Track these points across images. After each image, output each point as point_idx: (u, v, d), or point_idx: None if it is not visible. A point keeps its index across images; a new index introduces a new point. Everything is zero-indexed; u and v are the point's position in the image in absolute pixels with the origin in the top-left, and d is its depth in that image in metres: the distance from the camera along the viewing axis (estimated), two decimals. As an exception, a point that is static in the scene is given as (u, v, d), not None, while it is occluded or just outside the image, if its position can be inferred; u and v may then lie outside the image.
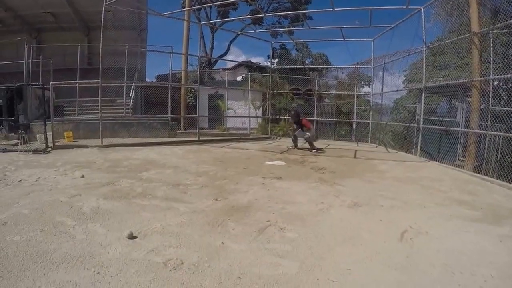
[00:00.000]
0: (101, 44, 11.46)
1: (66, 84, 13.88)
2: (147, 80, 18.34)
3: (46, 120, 11.34)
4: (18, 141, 11.86)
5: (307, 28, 13.67)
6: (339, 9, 10.87)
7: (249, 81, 16.69)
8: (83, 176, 6.28)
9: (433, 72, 10.00)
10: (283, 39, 22.06)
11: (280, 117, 16.25)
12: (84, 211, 4.23)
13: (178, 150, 10.27)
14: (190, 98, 17.92)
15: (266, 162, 8.41)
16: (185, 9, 16.49)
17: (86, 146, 10.59)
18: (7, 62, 18.15)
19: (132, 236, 3.40)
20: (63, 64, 17.00)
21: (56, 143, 10.71)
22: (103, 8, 11.45)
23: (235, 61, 22.60)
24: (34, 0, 19.82)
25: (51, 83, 12.17)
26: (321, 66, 21.36)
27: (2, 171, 7.06)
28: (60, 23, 21.75)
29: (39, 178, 6.29)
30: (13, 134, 12.63)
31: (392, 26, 11.89)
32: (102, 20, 11.66)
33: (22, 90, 14.34)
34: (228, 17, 23.40)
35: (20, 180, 6.13)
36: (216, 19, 23.79)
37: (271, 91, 16.00)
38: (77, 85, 14.31)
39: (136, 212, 4.18)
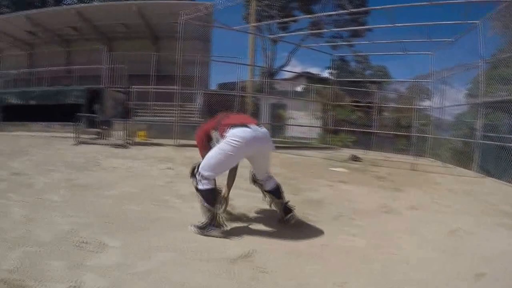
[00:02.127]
0: (178, 54, 12.62)
1: (142, 89, 14.88)
2: (211, 87, 19.09)
3: (124, 119, 12.41)
4: (95, 136, 13.03)
5: (367, 42, 13.89)
6: (400, 24, 11.06)
7: (312, 92, 17.11)
8: (169, 168, 7.04)
9: (495, 87, 9.91)
10: (343, 51, 22.25)
11: (340, 128, 16.44)
12: (183, 194, 5.02)
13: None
14: (250, 106, 18.57)
15: (330, 169, 8.84)
16: (254, 24, 17.29)
17: (161, 145, 11.57)
18: (86, 66, 19.67)
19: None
20: (133, 70, 18.16)
21: (131, 140, 11.67)
22: (180, 21, 12.45)
23: (295, 72, 22.88)
24: (109, 12, 21.51)
25: (132, 87, 13.17)
26: (381, 79, 21.31)
27: (94, 159, 8.09)
28: (130, 33, 23.32)
29: (130, 166, 7.17)
30: (91, 129, 13.81)
31: (451, 40, 11.92)
32: (180, 31, 12.64)
33: (101, 91, 15.64)
34: (289, 29, 23.92)
35: (115, 167, 7.03)
36: (276, 31, 24.36)
37: (332, 102, 16.30)
38: (151, 90, 15.23)
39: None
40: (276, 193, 3.99)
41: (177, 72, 12.66)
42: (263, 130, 3.67)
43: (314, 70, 30.44)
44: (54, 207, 4.06)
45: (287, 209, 3.95)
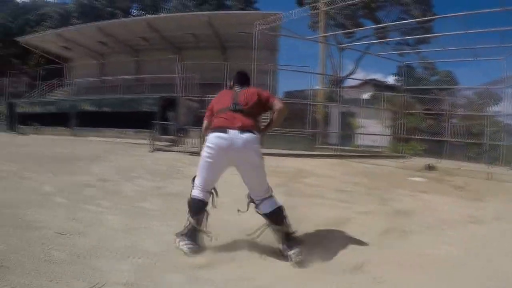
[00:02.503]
0: (253, 63, 12.50)
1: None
2: (278, 96, 19.28)
3: (198, 127, 12.77)
4: (169, 143, 13.50)
5: (437, 49, 13.50)
6: (472, 30, 10.65)
7: (382, 100, 16.81)
8: None
9: None
10: (409, 57, 21.62)
11: (411, 136, 16.00)
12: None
13: (322, 163, 10.93)
14: (320, 114, 18.53)
15: (408, 178, 8.70)
16: (326, 34, 17.33)
17: None
18: (159, 75, 20.57)
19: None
20: (203, 79, 18.69)
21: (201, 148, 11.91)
22: (255, 31, 12.56)
23: (362, 80, 22.57)
24: (179, 23, 22.35)
25: (207, 96, 13.59)
26: (452, 86, 20.50)
27: (174, 166, 8.64)
28: (198, 42, 24.08)
29: None
30: (165, 136, 14.34)
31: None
32: (255, 41, 12.72)
33: (175, 100, 16.22)
34: (354, 36, 23.62)
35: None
36: (342, 39, 24.14)
37: (403, 110, 15.92)
38: None
39: (322, 208, 4.84)
40: (273, 217, 3.10)
41: (253, 81, 12.82)
42: (245, 136, 2.99)
43: (379, 77, 29.80)
44: (151, 216, 4.13)
45: (291, 241, 3.04)
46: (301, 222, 3.84)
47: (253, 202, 3.21)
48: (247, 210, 3.22)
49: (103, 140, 17.10)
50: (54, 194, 4.94)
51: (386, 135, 16.70)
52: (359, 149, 15.44)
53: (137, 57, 27.53)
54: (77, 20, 35.48)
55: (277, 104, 3.27)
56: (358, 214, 4.56)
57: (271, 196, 3.18)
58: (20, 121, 23.12)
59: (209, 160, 3.08)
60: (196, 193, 3.18)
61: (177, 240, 3.09)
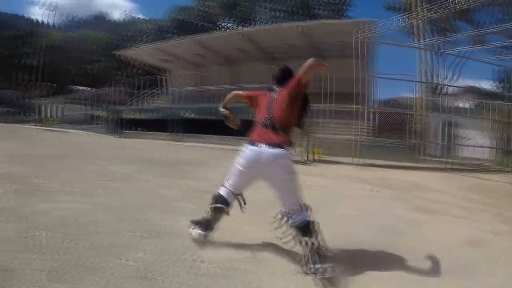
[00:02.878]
0: (357, 72, 12.86)
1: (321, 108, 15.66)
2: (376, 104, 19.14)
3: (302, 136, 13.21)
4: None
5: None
6: None
7: (488, 109, 16.06)
8: (372, 190, 7.31)
9: None
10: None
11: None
12: (408, 219, 5.01)
13: (429, 176, 10.69)
14: (418, 125, 18.12)
15: None
16: (426, 40, 17.02)
17: (341, 163, 12.05)
18: (256, 85, 21.21)
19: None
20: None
21: (310, 156, 12.43)
22: (354, 41, 12.83)
23: (462, 87, 21.60)
24: (275, 35, 23.05)
25: (311, 105, 13.92)
26: None
27: None
28: (293, 52, 24.55)
29: (329, 186, 7.69)
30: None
31: None
32: (357, 50, 12.98)
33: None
34: (453, 41, 22.71)
35: (315, 186, 7.41)
36: (438, 44, 23.32)
37: (509, 121, 15.11)
38: (328, 108, 15.91)
39: (450, 226, 4.87)
40: (303, 229, 3.08)
41: (356, 90, 13.19)
42: (273, 152, 3.10)
43: (478, 84, 28.07)
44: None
45: (321, 256, 2.95)
46: (436, 240, 4.05)
47: (286, 216, 3.24)
48: (279, 226, 3.29)
49: (204, 146, 18.22)
50: (177, 199, 5.35)
51: (493, 148, 15.92)
52: (463, 161, 14.83)
53: (234, 67, 28.69)
54: (172, 35, 38.00)
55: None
56: (488, 234, 4.51)
57: (301, 211, 3.18)
58: (123, 125, 25.11)
59: (240, 168, 3.31)
60: (223, 192, 3.44)
61: (192, 225, 3.46)
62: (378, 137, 14.74)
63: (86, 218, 3.99)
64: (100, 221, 3.93)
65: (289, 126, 3.32)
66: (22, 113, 60.19)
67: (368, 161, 12.35)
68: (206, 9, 41.43)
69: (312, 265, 2.89)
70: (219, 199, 3.43)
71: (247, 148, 3.27)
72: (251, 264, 3.03)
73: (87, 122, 32.18)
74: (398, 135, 14.50)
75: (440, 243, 3.93)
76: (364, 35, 13.76)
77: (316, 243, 2.99)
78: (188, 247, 3.28)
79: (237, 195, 3.49)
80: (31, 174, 6.53)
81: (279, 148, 3.11)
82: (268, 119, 3.31)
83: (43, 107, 45.85)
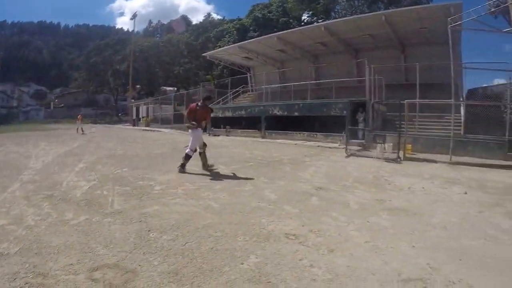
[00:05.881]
0: (453, 63, 12.81)
1: (412, 101, 15.27)
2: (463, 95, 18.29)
3: (393, 132, 13.23)
4: (359, 147, 14.44)
5: None
6: None
7: None
8: (465, 193, 7.03)
9: None
10: None
11: None
12: (505, 228, 4.75)
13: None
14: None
15: None
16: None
17: (433, 161, 11.62)
18: (346, 79, 21.48)
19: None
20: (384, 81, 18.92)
21: (400, 154, 12.18)
22: (450, 28, 12.46)
23: None
24: (357, 25, 22.84)
25: (406, 100, 13.76)
26: None
27: (379, 175, 8.94)
28: (376, 43, 24.19)
29: (423, 188, 7.42)
30: (354, 140, 15.21)
31: None
32: (451, 39, 12.96)
33: (364, 103, 16.82)
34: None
35: (409, 188, 7.38)
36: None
37: None
38: (418, 102, 15.62)
39: None
40: (201, 154, 8.85)
41: (452, 82, 12.75)
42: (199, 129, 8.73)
43: None
44: (392, 235, 4.23)
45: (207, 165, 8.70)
46: None
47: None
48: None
49: (293, 143, 18.52)
50: (280, 202, 5.58)
51: None
52: None
53: (316, 62, 28.96)
54: (254, 33, 38.87)
55: None
56: None
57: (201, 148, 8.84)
58: (212, 124, 26.16)
59: (193, 138, 8.66)
60: (189, 151, 8.52)
61: (178, 168, 8.39)
62: (469, 133, 14.07)
63: (198, 221, 4.46)
64: (211, 224, 4.35)
65: (204, 121, 8.86)
66: (115, 114, 66.18)
67: (460, 159, 11.77)
68: (285, 4, 41.68)
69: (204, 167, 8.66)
70: (188, 156, 8.50)
71: (194, 129, 8.61)
72: (360, 271, 3.18)
73: (178, 121, 34.12)
74: (491, 130, 13.49)
75: None
76: (458, 23, 13.08)
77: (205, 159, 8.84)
78: (296, 252, 3.55)
79: (194, 151, 8.61)
80: (135, 175, 7.35)
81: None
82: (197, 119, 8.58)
83: (134, 108, 49.01)
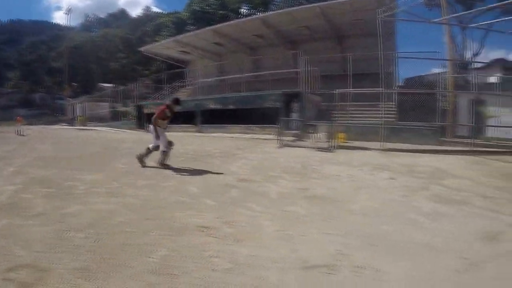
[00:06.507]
0: (380, 52, 12.67)
1: (343, 91, 15.42)
2: (399, 84, 18.60)
3: (326, 122, 13.05)
4: (294, 138, 14.02)
5: None
6: None
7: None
8: (392, 178, 7.15)
9: None
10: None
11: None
12: (427, 212, 4.83)
13: (456, 160, 10.22)
14: (447, 104, 17.48)
15: None
16: (455, 15, 16.44)
17: (366, 148, 11.78)
18: (281, 70, 21.36)
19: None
20: (321, 72, 18.92)
21: (334, 143, 12.21)
22: (378, 20, 12.47)
23: (490, 62, 20.73)
24: (293, 17, 22.71)
25: (337, 91, 13.76)
26: None
27: (308, 164, 8.87)
28: (313, 34, 24.27)
29: (351, 175, 7.46)
30: (289, 131, 14.86)
31: None
32: (379, 29, 12.77)
33: (298, 95, 16.72)
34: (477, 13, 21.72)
35: (337, 175, 7.41)
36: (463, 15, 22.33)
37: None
38: (350, 91, 15.65)
39: (471, 218, 4.64)
40: (163, 152, 8.25)
41: (381, 71, 12.83)
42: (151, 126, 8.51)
43: (504, 56, 26.85)
44: (305, 223, 4.19)
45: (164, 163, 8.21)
46: (450, 234, 3.94)
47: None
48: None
49: (230, 136, 18.26)
50: (200, 195, 5.44)
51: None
52: (493, 143, 13.95)
53: (253, 54, 28.60)
54: (192, 26, 38.12)
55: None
56: (509, 227, 4.28)
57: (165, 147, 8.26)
58: (148, 120, 25.32)
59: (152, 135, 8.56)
60: (150, 147, 8.32)
61: (138, 159, 8.33)
62: (403, 120, 14.37)
63: (116, 218, 4.30)
64: (128, 221, 4.20)
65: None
66: (51, 114, 62.52)
67: (393, 145, 12.06)
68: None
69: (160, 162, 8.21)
70: (148, 151, 8.35)
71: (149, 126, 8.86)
72: (262, 260, 3.13)
73: (115, 119, 32.79)
74: (424, 117, 13.95)
75: (454, 237, 3.86)
76: (387, 13, 13.18)
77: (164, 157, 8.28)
78: (204, 243, 3.51)
79: (157, 148, 8.34)
80: (64, 176, 6.82)
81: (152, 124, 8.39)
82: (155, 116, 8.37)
83: (71, 107, 46.99)
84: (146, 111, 27.15)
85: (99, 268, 2.95)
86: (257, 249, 3.36)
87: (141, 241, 3.56)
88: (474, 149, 12.17)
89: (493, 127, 14.60)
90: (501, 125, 14.19)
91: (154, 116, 8.32)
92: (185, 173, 7.47)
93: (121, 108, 34.34)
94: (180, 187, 6.06)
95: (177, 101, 8.80)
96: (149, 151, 8.36)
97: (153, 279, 2.77)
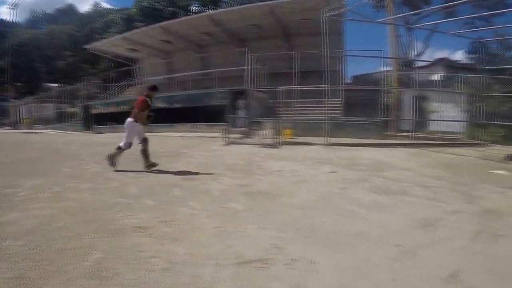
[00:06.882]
0: (324, 50, 13.05)
1: (287, 88, 15.36)
2: (346, 81, 18.90)
3: (271, 119, 12.95)
4: (242, 135, 13.82)
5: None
6: None
7: (459, 81, 15.86)
8: (333, 172, 7.20)
9: None
10: (483, 33, 20.00)
11: (490, 122, 14.79)
12: (364, 203, 4.91)
13: (398, 153, 10.58)
14: (391, 99, 17.94)
15: (491, 171, 8.08)
16: (394, 16, 16.80)
17: (310, 144, 11.85)
18: (227, 68, 21.09)
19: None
20: (269, 69, 18.86)
21: (280, 140, 12.21)
22: (322, 19, 12.48)
23: (433, 61, 21.46)
24: (241, 16, 22.58)
25: (280, 87, 13.70)
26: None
27: (253, 161, 8.67)
28: (262, 33, 24.23)
29: (294, 170, 7.43)
30: (236, 129, 14.66)
31: None
32: (323, 28, 12.88)
33: (245, 92, 16.53)
34: (423, 14, 22.48)
35: (280, 171, 7.34)
36: (411, 18, 23.05)
37: (482, 94, 14.87)
38: (296, 88, 15.65)
39: (409, 207, 4.77)
40: (142, 151, 7.46)
41: (325, 69, 12.91)
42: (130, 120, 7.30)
43: (447, 56, 28.04)
44: (243, 218, 4.18)
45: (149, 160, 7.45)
46: (387, 224, 4.03)
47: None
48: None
49: (177, 135, 17.88)
50: (141, 196, 5.21)
51: (464, 121, 15.55)
52: (434, 136, 14.62)
53: (202, 52, 28.20)
54: (141, 23, 37.08)
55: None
56: (446, 214, 4.45)
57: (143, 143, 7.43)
58: (96, 121, 24.49)
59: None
60: (122, 145, 7.26)
61: (108, 160, 7.33)
62: (349, 115, 14.62)
63: (55, 223, 4.05)
64: (67, 225, 3.98)
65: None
66: (-5, 117, 58.74)
67: (337, 140, 12.23)
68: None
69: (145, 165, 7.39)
70: (120, 149, 7.34)
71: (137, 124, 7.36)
72: (199, 257, 3.08)
73: (62, 120, 31.23)
74: (369, 112, 14.28)
75: (390, 227, 3.95)
76: (332, 13, 13.30)
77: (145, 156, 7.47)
78: (140, 244, 3.39)
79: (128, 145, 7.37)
80: (2, 183, 6.27)
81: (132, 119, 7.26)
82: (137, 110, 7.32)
83: (15, 109, 44.43)
84: (94, 111, 26.07)
85: (35, 276, 2.81)
86: (194, 247, 3.32)
87: (77, 245, 3.41)
88: (416, 142, 12.77)
89: (435, 121, 15.25)
90: (442, 119, 14.82)
91: (135, 110, 7.24)
92: (129, 174, 7.06)
93: (68, 109, 32.68)
94: (122, 189, 5.80)
95: (154, 88, 7.67)
96: (120, 150, 7.38)
97: (86, 283, 2.67)
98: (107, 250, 3.25)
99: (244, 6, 24.18)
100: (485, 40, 16.85)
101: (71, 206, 4.76)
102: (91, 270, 2.85)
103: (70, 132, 25.02)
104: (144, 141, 7.38)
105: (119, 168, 7.33)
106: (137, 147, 9.40)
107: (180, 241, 3.46)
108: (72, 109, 31.61)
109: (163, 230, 3.78)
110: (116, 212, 4.41)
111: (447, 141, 13.51)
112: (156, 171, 7.32)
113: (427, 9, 19.95)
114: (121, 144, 7.29)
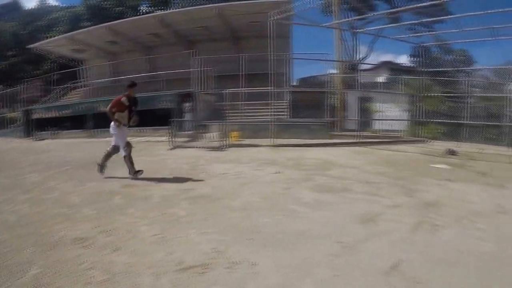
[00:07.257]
0: (270, 53, 13.31)
1: (234, 90, 15.38)
2: (293, 83, 19.12)
3: (217, 121, 12.81)
4: (188, 139, 13.59)
5: (456, 30, 13.31)
6: (492, 11, 10.37)
7: (400, 83, 16.55)
8: (278, 172, 7.20)
9: None
10: (425, 38, 21.04)
11: (430, 120, 15.68)
12: (307, 201, 4.97)
13: (344, 152, 10.78)
14: (337, 101, 18.35)
15: (431, 165, 8.48)
16: (340, 21, 17.18)
17: (257, 145, 11.82)
18: (175, 71, 20.72)
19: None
20: (217, 72, 18.72)
21: (227, 142, 12.12)
22: (269, 22, 12.65)
23: (377, 64, 22.19)
24: (190, 18, 22.30)
25: (227, 90, 13.61)
26: (472, 68, 19.95)
27: (198, 165, 8.48)
28: (211, 35, 24.11)
29: (238, 172, 7.36)
30: (183, 132, 14.42)
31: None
32: (269, 32, 13.12)
33: (192, 95, 16.28)
34: (367, 19, 23.23)
35: (224, 173, 7.22)
36: (355, 22, 23.72)
37: (422, 94, 15.61)
38: (243, 91, 15.61)
39: (351, 203, 4.88)
40: (127, 157, 6.84)
41: (271, 71, 12.97)
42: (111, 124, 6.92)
43: (394, 60, 29.24)
44: (184, 224, 4.11)
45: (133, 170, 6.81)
46: (329, 220, 4.12)
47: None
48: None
49: (122, 140, 17.20)
50: (81, 205, 4.98)
51: (405, 120, 16.40)
52: (378, 134, 15.21)
53: (150, 54, 27.56)
54: (88, 22, 35.76)
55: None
56: (387, 208, 4.58)
57: (124, 150, 6.82)
58: (37, 126, 23.17)
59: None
60: (109, 149, 6.97)
61: (98, 167, 6.98)
62: (296, 117, 14.84)
63: None
64: (2, 240, 3.74)
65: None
66: None
67: (283, 141, 12.28)
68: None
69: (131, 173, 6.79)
70: (110, 153, 7.01)
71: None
72: (138, 266, 3.01)
73: (1, 126, 29.39)
74: (315, 113, 14.52)
75: (331, 223, 4.03)
76: (279, 16, 13.40)
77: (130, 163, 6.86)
78: (80, 256, 3.25)
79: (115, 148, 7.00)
80: None
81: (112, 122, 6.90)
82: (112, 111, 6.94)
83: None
84: (35, 116, 24.56)
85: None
86: (134, 256, 3.22)
87: (13, 261, 3.20)
88: (361, 140, 13.16)
89: (379, 121, 15.82)
90: (385, 118, 15.39)
91: (109, 109, 6.84)
92: (69, 183, 6.68)
93: (8, 114, 30.83)
94: (62, 198, 5.49)
95: (132, 84, 7.19)
96: (109, 155, 7.00)
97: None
98: (45, 264, 3.09)
99: (193, 7, 23.79)
100: (426, 44, 17.64)
101: (6, 219, 4.50)
102: (28, 287, 2.71)
103: (11, 138, 23.63)
104: (128, 145, 6.95)
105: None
106: (76, 156, 8.93)
107: (120, 251, 3.35)
108: (13, 114, 29.94)
109: (103, 240, 3.66)
110: (55, 224, 4.20)
111: (390, 139, 14.05)
112: (98, 179, 6.87)
113: (371, 15, 20.57)
114: (108, 148, 7.03)
